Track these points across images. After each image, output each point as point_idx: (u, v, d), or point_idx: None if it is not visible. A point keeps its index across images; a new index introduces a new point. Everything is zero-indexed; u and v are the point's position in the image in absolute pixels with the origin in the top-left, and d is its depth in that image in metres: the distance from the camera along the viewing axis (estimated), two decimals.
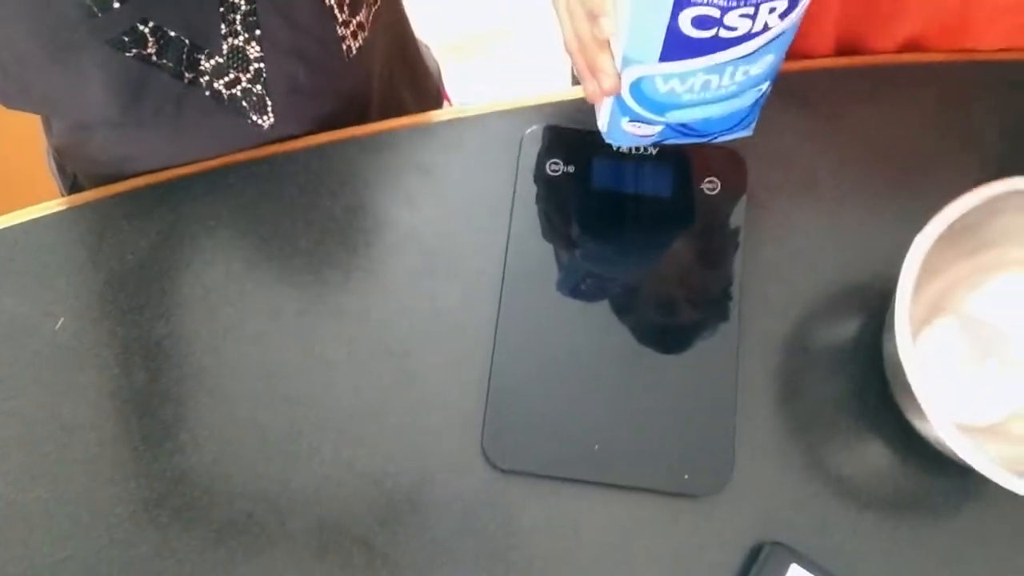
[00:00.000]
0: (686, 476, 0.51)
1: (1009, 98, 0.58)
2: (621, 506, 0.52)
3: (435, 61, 0.88)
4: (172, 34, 0.48)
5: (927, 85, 0.59)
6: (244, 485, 0.52)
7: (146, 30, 0.47)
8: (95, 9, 0.44)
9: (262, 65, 0.53)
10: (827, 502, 0.52)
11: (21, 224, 0.57)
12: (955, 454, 0.43)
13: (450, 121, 0.59)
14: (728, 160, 0.56)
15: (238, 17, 0.50)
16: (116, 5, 0.45)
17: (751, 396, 0.53)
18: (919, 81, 0.59)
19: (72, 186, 0.67)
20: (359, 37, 0.58)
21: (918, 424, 0.48)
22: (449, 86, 0.92)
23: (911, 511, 0.52)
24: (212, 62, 0.51)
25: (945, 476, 0.52)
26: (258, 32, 0.51)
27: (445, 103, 0.90)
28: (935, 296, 0.52)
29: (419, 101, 0.80)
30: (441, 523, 0.52)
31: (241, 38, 0.51)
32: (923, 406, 0.42)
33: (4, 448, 0.53)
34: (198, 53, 0.50)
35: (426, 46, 0.85)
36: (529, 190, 0.56)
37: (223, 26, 0.50)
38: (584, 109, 0.59)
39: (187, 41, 0.49)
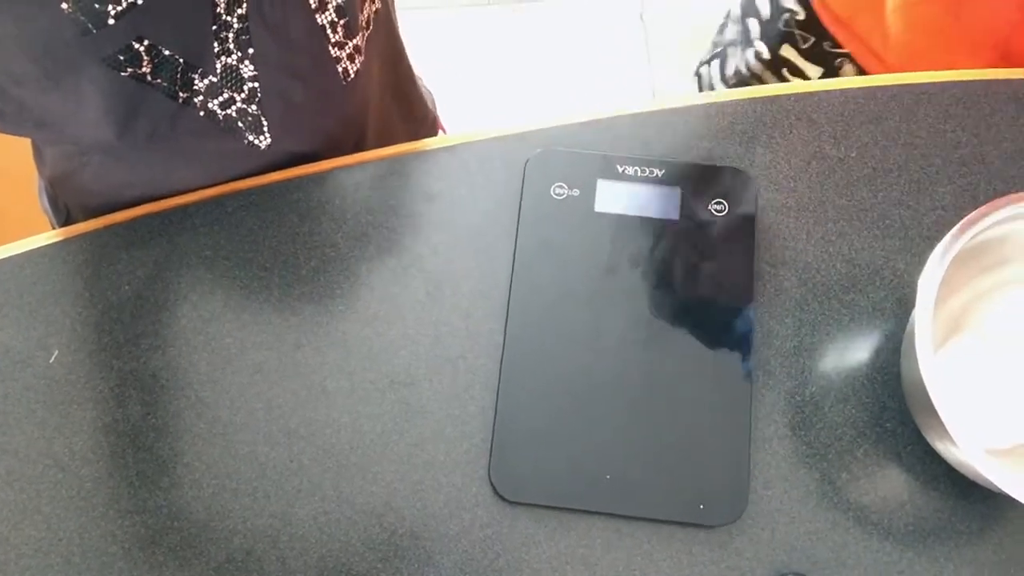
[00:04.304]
0: (701, 506, 0.49)
1: (1015, 115, 0.58)
2: (634, 538, 0.50)
3: (430, 91, 0.87)
4: (167, 53, 0.48)
5: (931, 104, 0.58)
6: (243, 521, 0.51)
7: (141, 48, 0.46)
8: (90, 26, 0.44)
9: (256, 85, 0.52)
10: (846, 531, 0.50)
11: (15, 256, 0.55)
12: (982, 478, 0.42)
13: (453, 147, 0.58)
14: (736, 181, 0.55)
15: (231, 35, 0.49)
16: (111, 22, 0.44)
17: (765, 423, 0.52)
18: (923, 100, 0.58)
19: (66, 221, 0.66)
20: (356, 61, 0.58)
21: (941, 448, 0.47)
22: (444, 117, 0.92)
23: (934, 538, 0.50)
24: (206, 81, 0.51)
25: (967, 501, 0.50)
26: (251, 51, 0.51)
27: (440, 132, 0.89)
28: (953, 314, 0.51)
29: (412, 129, 0.79)
30: (447, 559, 0.50)
31: (234, 57, 0.50)
32: (949, 429, 0.41)
33: None
34: (192, 72, 0.50)
35: (419, 76, 0.85)
36: (534, 214, 0.55)
37: (216, 44, 0.49)
38: (587, 133, 0.58)
39: (181, 60, 0.49)
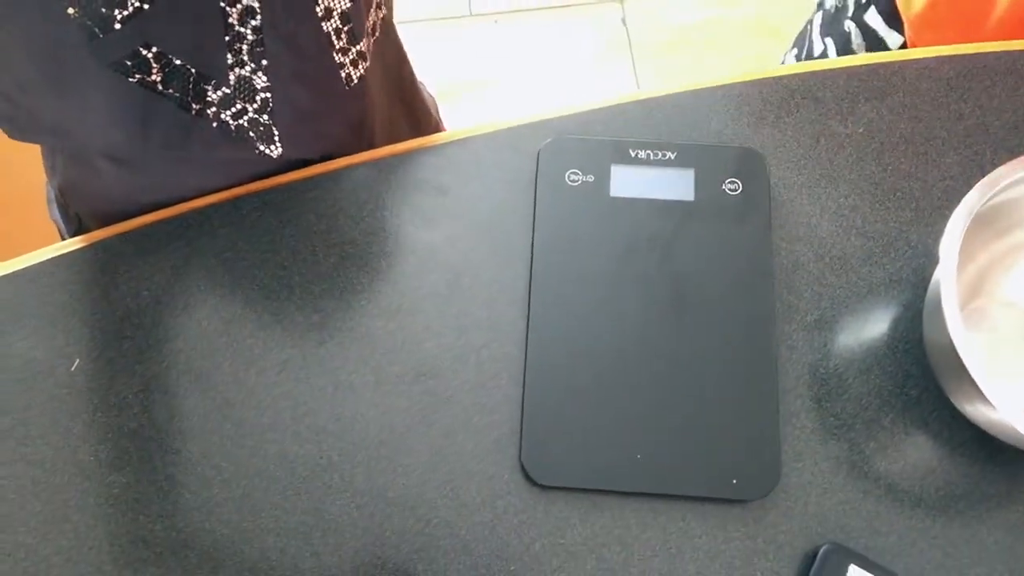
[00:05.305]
0: (734, 481, 0.50)
1: (1015, 86, 0.59)
2: (668, 516, 0.50)
3: (432, 96, 0.88)
4: (177, 62, 0.48)
5: (933, 78, 0.59)
6: (275, 520, 0.50)
7: (149, 56, 0.46)
8: (96, 30, 0.44)
9: (268, 95, 0.52)
10: (878, 499, 0.50)
11: (32, 267, 0.55)
12: (1019, 437, 0.42)
13: (465, 139, 0.58)
14: (748, 160, 0.56)
15: (244, 47, 0.49)
16: (117, 26, 0.44)
17: (792, 397, 0.52)
18: (925, 75, 0.59)
19: (77, 230, 0.66)
20: (360, 66, 0.58)
21: (970, 410, 0.47)
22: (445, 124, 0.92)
23: (965, 502, 0.50)
24: (219, 93, 0.51)
25: (994, 464, 0.51)
26: (264, 62, 0.51)
27: None
28: (970, 281, 0.51)
29: (418, 135, 0.79)
30: (483, 547, 0.50)
31: (248, 68, 0.50)
32: (984, 390, 0.41)
33: (22, 496, 0.50)
34: (205, 84, 0.50)
35: (422, 82, 0.85)
36: (550, 202, 0.56)
37: (229, 56, 0.49)
38: (595, 120, 0.59)
39: (193, 71, 0.49)
